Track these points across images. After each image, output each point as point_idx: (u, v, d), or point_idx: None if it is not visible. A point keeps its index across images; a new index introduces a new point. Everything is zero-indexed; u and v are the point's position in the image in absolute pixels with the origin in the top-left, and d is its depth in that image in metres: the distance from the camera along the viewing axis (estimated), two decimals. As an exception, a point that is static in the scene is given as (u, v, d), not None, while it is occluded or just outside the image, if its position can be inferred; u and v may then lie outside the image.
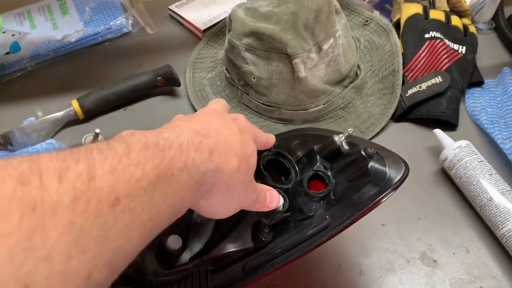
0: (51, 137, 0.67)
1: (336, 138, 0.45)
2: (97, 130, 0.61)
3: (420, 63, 0.66)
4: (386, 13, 0.82)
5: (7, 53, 0.79)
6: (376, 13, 0.83)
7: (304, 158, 0.47)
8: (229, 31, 0.68)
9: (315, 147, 0.46)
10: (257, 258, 0.41)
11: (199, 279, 0.42)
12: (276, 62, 0.63)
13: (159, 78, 0.71)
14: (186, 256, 0.42)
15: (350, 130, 0.46)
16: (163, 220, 0.28)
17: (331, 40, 0.64)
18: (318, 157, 0.46)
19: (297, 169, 0.45)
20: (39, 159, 0.23)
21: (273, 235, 0.42)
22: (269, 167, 0.44)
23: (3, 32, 0.81)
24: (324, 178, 0.44)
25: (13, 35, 0.81)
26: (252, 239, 0.42)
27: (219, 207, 0.36)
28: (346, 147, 0.45)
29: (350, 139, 0.46)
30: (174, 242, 0.40)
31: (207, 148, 0.31)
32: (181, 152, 0.29)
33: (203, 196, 0.32)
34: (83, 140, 0.60)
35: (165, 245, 0.40)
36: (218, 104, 0.43)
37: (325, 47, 0.64)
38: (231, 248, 0.41)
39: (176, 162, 0.28)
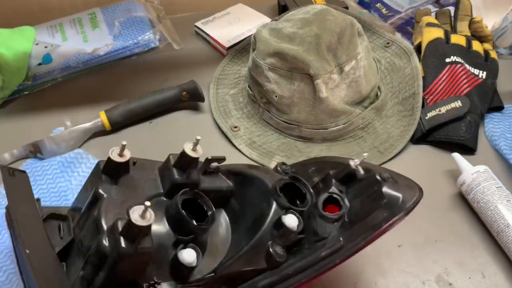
0: (79, 147, 0.70)
1: (351, 162, 0.46)
2: (124, 142, 0.63)
3: (440, 87, 0.67)
4: (408, 35, 0.83)
5: (39, 64, 0.82)
6: (398, 35, 0.84)
7: (320, 183, 0.48)
8: (253, 50, 0.70)
9: (331, 172, 0.48)
10: (270, 277, 0.42)
11: None
12: (298, 82, 0.64)
13: (184, 93, 0.73)
14: (199, 273, 0.43)
15: (365, 154, 0.47)
16: None
17: (353, 62, 0.65)
18: (333, 181, 0.47)
19: (312, 192, 0.46)
20: None
21: (287, 256, 0.43)
22: (286, 191, 0.45)
23: (36, 44, 0.85)
24: (338, 201, 0.45)
25: (45, 47, 0.84)
26: (265, 259, 0.43)
27: None
28: (361, 172, 0.46)
29: (365, 165, 0.47)
30: (188, 255, 0.41)
31: None
32: None
33: None
34: (110, 152, 0.62)
35: (179, 258, 0.41)
36: None
37: (346, 68, 0.65)
38: (244, 267, 0.42)
39: None
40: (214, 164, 0.49)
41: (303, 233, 0.44)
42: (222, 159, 0.49)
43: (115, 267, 0.37)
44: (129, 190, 0.45)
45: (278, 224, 0.43)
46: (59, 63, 0.82)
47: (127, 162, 0.45)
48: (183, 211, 0.42)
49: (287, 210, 0.43)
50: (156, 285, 0.41)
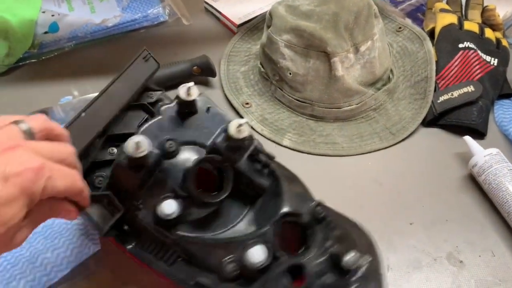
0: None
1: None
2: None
3: (453, 72, 0.68)
4: (418, 21, 0.84)
5: (46, 32, 0.81)
6: (408, 21, 0.84)
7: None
8: (268, 27, 0.69)
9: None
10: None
11: (167, 256, 0.42)
12: (313, 60, 0.64)
13: (195, 67, 0.73)
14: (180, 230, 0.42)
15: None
16: None
17: (369, 42, 0.66)
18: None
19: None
20: None
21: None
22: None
23: (43, 12, 0.83)
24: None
25: (52, 15, 0.82)
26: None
27: None
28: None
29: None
30: (168, 207, 0.40)
31: None
32: None
33: None
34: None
35: (158, 211, 0.40)
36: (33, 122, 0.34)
37: (362, 48, 0.65)
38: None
39: None
40: (264, 157, 0.46)
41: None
42: (272, 157, 0.47)
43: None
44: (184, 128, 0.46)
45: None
46: (66, 32, 0.81)
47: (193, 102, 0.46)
48: (195, 169, 0.41)
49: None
50: (139, 207, 0.42)
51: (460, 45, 0.70)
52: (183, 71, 0.73)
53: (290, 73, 0.66)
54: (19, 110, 0.68)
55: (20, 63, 0.77)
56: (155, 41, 0.83)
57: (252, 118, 0.69)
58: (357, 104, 0.67)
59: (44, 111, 0.67)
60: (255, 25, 0.82)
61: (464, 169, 0.61)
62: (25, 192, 0.30)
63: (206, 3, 0.88)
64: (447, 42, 0.71)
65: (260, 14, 0.83)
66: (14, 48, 0.76)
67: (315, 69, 0.65)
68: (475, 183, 0.60)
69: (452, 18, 0.73)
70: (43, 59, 0.79)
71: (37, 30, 0.80)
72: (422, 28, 0.81)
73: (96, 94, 0.69)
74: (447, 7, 0.77)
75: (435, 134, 0.66)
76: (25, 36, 0.78)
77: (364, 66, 0.66)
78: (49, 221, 0.53)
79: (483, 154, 0.58)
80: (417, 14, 0.85)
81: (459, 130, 0.65)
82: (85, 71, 0.77)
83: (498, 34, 0.75)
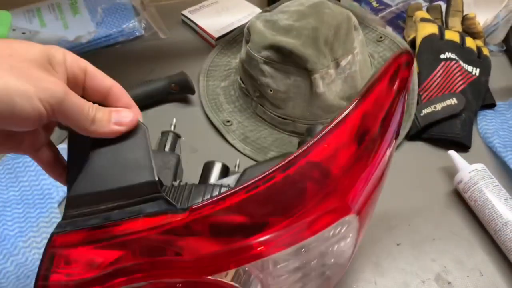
0: (63, 141, 0.66)
1: None
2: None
3: (435, 83, 0.67)
4: (399, 29, 0.83)
5: (17, 51, 0.78)
6: (389, 29, 0.83)
7: None
8: (247, 42, 0.68)
9: None
10: None
11: None
12: (294, 76, 0.63)
13: (173, 85, 0.71)
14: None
15: None
16: None
17: (349, 56, 0.64)
18: None
19: None
20: None
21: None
22: None
23: (13, 30, 0.80)
24: None
25: (23, 33, 0.80)
26: None
27: None
28: None
29: None
30: None
31: None
32: None
33: None
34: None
35: None
36: None
37: (343, 63, 0.64)
38: None
39: None
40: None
41: None
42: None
43: None
44: None
45: None
46: (38, 51, 0.78)
47: None
48: None
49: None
50: None
51: (442, 56, 0.69)
52: (160, 89, 0.71)
53: (270, 90, 0.65)
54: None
55: (-9, 85, 0.74)
56: (131, 56, 0.81)
57: (233, 137, 0.67)
58: (340, 120, 0.65)
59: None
60: (233, 38, 0.81)
61: (450, 184, 0.61)
62: None
63: (184, 15, 0.86)
64: (428, 53, 0.70)
65: (239, 27, 0.82)
66: (-16, 69, 0.73)
67: (296, 86, 0.63)
68: (461, 199, 0.59)
69: (433, 28, 0.72)
70: (15, 79, 0.76)
71: (7, 50, 0.77)
72: (403, 37, 0.80)
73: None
74: (427, 16, 0.76)
75: (419, 148, 0.65)
76: (-5, 57, 0.75)
77: (345, 81, 0.65)
78: (22, 259, 0.51)
79: (468, 170, 0.57)
80: (398, 22, 0.84)
81: (443, 143, 0.65)
82: (59, 91, 0.74)
83: (479, 42, 0.74)
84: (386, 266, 0.53)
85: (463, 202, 0.59)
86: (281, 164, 0.33)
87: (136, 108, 0.37)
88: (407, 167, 0.63)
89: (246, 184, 0.33)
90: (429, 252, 0.54)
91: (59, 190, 0.59)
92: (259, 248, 0.33)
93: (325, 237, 0.36)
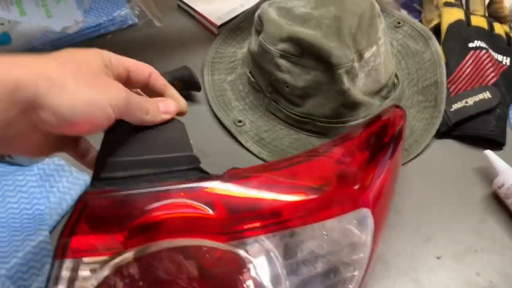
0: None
1: None
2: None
3: (464, 75, 0.62)
4: (415, 13, 0.77)
5: (-5, 45, 0.69)
6: (404, 13, 0.77)
7: None
8: (258, 32, 0.61)
9: None
10: None
11: None
12: (315, 72, 0.56)
13: (175, 82, 0.64)
14: None
15: None
16: None
17: (374, 47, 0.58)
18: None
19: None
20: None
21: None
22: None
23: (-10, 20, 0.71)
24: None
25: (1, 24, 0.71)
26: None
27: (71, 104, 0.30)
28: None
29: None
30: None
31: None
32: None
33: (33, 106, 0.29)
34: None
35: None
36: None
37: (366, 55, 0.58)
38: None
39: None
40: None
41: None
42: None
43: None
44: None
45: None
46: (20, 44, 0.70)
47: None
48: None
49: None
50: None
51: (470, 44, 0.63)
52: (162, 87, 0.63)
53: (287, 86, 0.58)
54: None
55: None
56: (125, 47, 0.72)
57: (247, 139, 0.61)
58: (364, 117, 0.60)
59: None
60: (237, 25, 0.73)
61: (487, 187, 0.56)
62: None
63: (180, 1, 0.78)
64: (455, 41, 0.64)
65: (243, 12, 0.74)
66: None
67: (317, 81, 0.57)
68: (502, 204, 0.54)
69: (459, 14, 0.66)
70: (-5, 77, 0.68)
71: (-17, 43, 0.69)
72: (421, 21, 0.74)
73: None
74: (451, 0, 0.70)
75: (450, 146, 0.60)
76: (-30, 51, 0.66)
77: (369, 75, 0.59)
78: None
79: (510, 173, 0.52)
80: (414, 5, 0.78)
81: (475, 140, 0.60)
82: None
83: (506, 28, 0.69)
84: (427, 283, 0.49)
85: (504, 207, 0.54)
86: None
87: (171, 89, 0.42)
88: (438, 168, 0.58)
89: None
90: (472, 265, 0.50)
91: (52, 213, 0.52)
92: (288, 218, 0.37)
93: (341, 225, 0.39)
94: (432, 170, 0.58)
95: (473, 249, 0.51)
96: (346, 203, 0.39)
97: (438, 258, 0.51)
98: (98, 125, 0.32)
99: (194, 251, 0.35)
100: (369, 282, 0.48)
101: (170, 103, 0.40)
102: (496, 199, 0.55)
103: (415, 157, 0.59)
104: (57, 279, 0.31)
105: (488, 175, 0.56)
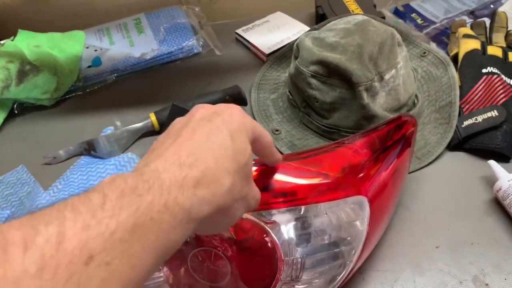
0: (129, 146, 0.74)
1: None
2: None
3: (477, 97, 0.70)
4: (443, 45, 0.86)
5: (89, 66, 0.87)
6: (433, 45, 0.87)
7: None
8: (296, 58, 0.73)
9: None
10: None
11: None
12: (339, 89, 0.68)
13: (227, 97, 0.77)
14: None
15: None
16: (148, 265, 0.26)
17: (393, 71, 0.68)
18: None
19: None
20: (8, 229, 0.23)
21: None
22: None
23: (87, 47, 0.90)
24: None
25: (95, 50, 0.89)
26: None
27: (215, 229, 0.36)
28: None
29: None
30: None
31: (191, 183, 0.29)
32: (161, 193, 0.28)
33: (194, 228, 0.30)
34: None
35: None
36: None
37: (386, 77, 0.68)
38: None
39: (155, 205, 0.27)
40: None
41: None
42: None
43: None
44: None
45: None
46: (108, 66, 0.87)
47: None
48: None
49: None
50: None
51: (484, 70, 0.71)
52: (216, 101, 0.77)
53: (317, 101, 0.70)
54: (64, 140, 0.74)
55: (67, 96, 0.84)
56: (190, 71, 0.88)
57: (282, 145, 0.72)
58: (383, 130, 0.69)
59: (90, 142, 0.73)
60: (283, 54, 0.87)
61: (489, 193, 0.63)
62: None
63: (237, 34, 0.93)
64: (470, 67, 0.73)
65: (288, 43, 0.88)
66: (62, 82, 0.83)
67: (341, 97, 0.68)
68: (501, 207, 0.61)
69: (475, 44, 0.75)
70: (88, 91, 0.85)
71: (81, 65, 0.87)
72: (447, 52, 0.83)
73: (140, 124, 0.75)
74: (470, 32, 0.79)
75: (460, 158, 0.68)
76: (71, 71, 0.84)
77: (389, 93, 0.69)
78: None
79: (507, 178, 0.59)
80: (442, 38, 0.87)
81: (484, 153, 0.67)
82: (126, 102, 0.82)
83: (522, 57, 0.76)
84: (425, 267, 0.57)
85: (502, 209, 0.61)
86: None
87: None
88: (448, 176, 0.66)
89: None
90: (467, 255, 0.57)
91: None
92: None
93: (342, 207, 0.48)
94: (441, 177, 0.66)
95: (469, 242, 0.58)
96: (349, 189, 0.48)
97: (437, 247, 0.58)
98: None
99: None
100: (375, 263, 0.57)
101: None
102: (497, 203, 0.62)
103: (427, 165, 0.67)
104: None
105: (492, 183, 0.63)
